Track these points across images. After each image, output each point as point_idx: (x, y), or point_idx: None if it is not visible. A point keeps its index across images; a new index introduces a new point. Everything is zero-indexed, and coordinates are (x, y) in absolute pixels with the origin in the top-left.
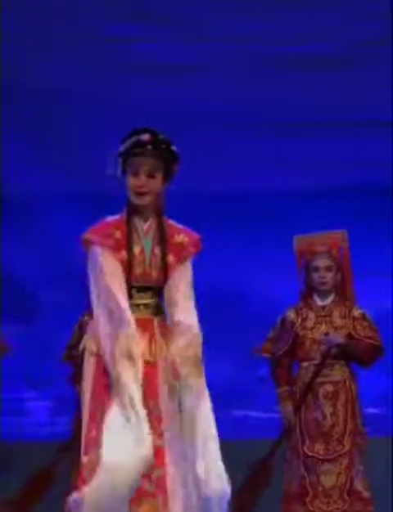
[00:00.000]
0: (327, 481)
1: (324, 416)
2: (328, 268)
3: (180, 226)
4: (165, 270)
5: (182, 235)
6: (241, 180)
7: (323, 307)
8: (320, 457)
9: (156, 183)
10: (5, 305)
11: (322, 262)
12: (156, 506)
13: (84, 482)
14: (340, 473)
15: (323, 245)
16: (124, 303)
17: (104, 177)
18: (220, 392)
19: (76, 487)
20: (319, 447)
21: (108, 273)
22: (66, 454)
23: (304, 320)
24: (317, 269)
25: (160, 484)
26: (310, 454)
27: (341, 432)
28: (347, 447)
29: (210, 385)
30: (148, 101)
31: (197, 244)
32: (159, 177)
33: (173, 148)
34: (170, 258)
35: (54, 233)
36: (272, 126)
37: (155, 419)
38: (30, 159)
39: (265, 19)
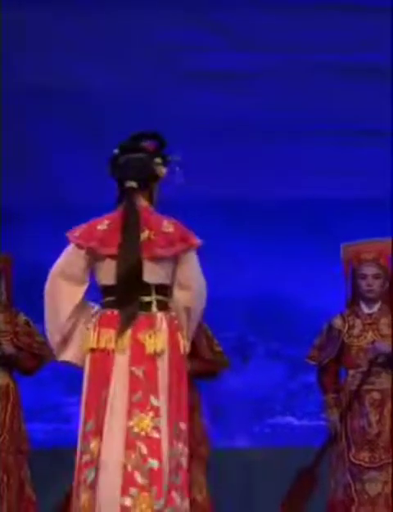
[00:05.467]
0: (373, 489)
1: (370, 424)
2: (376, 276)
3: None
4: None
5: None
6: (289, 188)
7: (370, 315)
8: (366, 465)
9: None
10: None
11: (369, 269)
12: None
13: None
14: (386, 482)
15: (371, 253)
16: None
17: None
18: (265, 398)
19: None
20: (365, 455)
21: None
22: None
23: (350, 327)
24: (364, 277)
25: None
26: (356, 462)
27: (388, 440)
28: None
29: (255, 391)
30: (198, 109)
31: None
32: None
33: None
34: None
35: None
36: (321, 134)
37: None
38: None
39: (318, 27)
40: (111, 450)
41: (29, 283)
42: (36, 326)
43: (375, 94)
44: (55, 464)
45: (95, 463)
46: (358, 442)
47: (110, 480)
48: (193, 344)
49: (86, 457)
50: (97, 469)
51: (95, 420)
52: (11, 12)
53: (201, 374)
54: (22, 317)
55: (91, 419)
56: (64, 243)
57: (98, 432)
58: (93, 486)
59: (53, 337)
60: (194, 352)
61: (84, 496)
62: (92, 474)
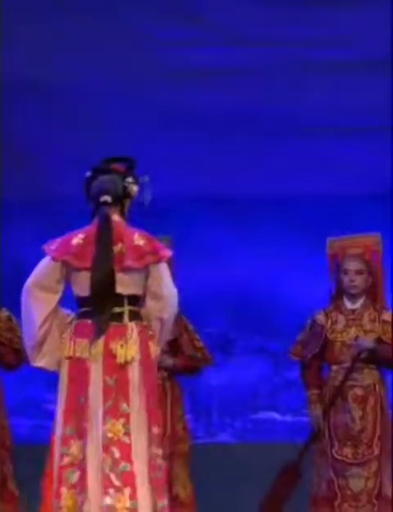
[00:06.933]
0: (356, 485)
1: (353, 420)
2: (359, 272)
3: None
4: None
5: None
6: (274, 183)
7: (353, 311)
8: (349, 461)
9: None
10: None
11: (352, 265)
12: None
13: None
14: (369, 477)
15: (356, 248)
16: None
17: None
18: (248, 394)
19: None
20: (348, 451)
21: None
22: None
23: (333, 323)
24: (347, 272)
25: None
26: (339, 458)
27: (370, 436)
28: (376, 451)
29: (238, 387)
30: (186, 106)
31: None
32: None
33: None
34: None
35: None
36: (309, 130)
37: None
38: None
39: (307, 23)
40: (94, 455)
41: (13, 279)
42: (19, 322)
43: (364, 90)
44: (37, 459)
45: (76, 465)
46: (341, 438)
47: (95, 483)
48: (175, 340)
49: (67, 459)
50: (80, 471)
51: (75, 425)
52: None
53: (183, 369)
54: (4, 313)
55: (70, 423)
56: (49, 240)
57: (79, 436)
58: (76, 486)
59: (27, 344)
60: (176, 348)
61: (66, 495)
62: (74, 475)
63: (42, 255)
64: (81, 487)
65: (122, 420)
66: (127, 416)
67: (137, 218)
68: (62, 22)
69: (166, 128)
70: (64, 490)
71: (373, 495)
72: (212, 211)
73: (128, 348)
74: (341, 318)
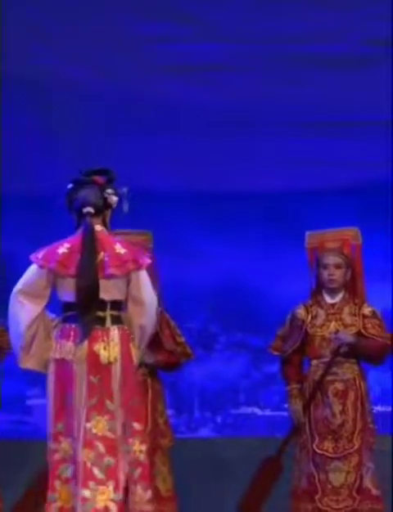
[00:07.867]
0: (337, 479)
1: (334, 414)
2: (337, 266)
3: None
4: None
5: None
6: (253, 179)
7: (333, 305)
8: (329, 455)
9: None
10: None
11: (331, 259)
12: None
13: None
14: (349, 472)
15: (335, 242)
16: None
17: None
18: (228, 389)
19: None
20: (329, 445)
21: None
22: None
23: (313, 317)
24: (326, 266)
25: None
26: (319, 452)
27: (351, 430)
28: (357, 445)
29: (219, 381)
30: (178, 102)
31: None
32: None
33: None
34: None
35: None
36: (288, 125)
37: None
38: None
39: (290, 19)
40: (81, 451)
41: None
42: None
43: (339, 85)
44: (16, 454)
45: (68, 460)
46: (321, 432)
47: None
48: (157, 336)
49: (58, 455)
50: (74, 466)
51: (64, 423)
52: None
53: (164, 366)
54: None
55: (61, 421)
56: (35, 236)
57: (67, 433)
58: (71, 480)
59: (15, 346)
60: (157, 344)
61: (59, 489)
62: (68, 470)
63: (31, 251)
64: (76, 480)
65: (107, 417)
66: (112, 413)
67: (118, 215)
68: (47, 20)
69: (151, 124)
70: (57, 483)
71: (354, 489)
72: (193, 206)
73: (111, 350)
74: (321, 312)
